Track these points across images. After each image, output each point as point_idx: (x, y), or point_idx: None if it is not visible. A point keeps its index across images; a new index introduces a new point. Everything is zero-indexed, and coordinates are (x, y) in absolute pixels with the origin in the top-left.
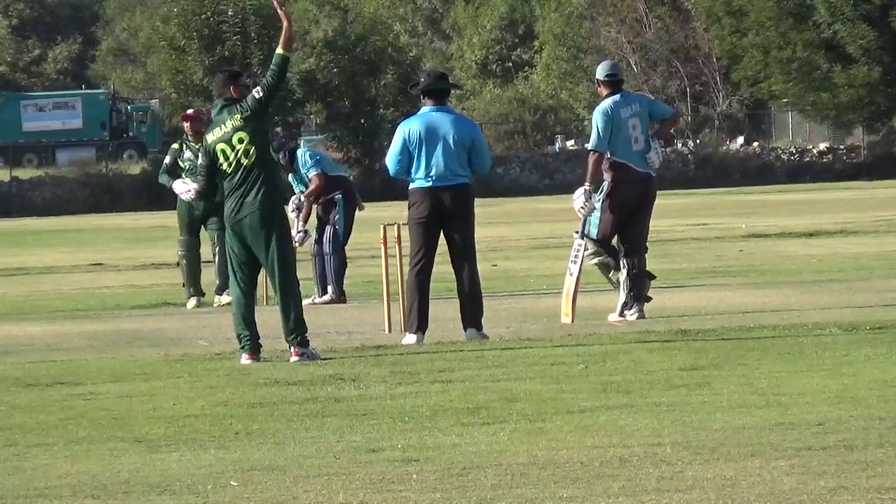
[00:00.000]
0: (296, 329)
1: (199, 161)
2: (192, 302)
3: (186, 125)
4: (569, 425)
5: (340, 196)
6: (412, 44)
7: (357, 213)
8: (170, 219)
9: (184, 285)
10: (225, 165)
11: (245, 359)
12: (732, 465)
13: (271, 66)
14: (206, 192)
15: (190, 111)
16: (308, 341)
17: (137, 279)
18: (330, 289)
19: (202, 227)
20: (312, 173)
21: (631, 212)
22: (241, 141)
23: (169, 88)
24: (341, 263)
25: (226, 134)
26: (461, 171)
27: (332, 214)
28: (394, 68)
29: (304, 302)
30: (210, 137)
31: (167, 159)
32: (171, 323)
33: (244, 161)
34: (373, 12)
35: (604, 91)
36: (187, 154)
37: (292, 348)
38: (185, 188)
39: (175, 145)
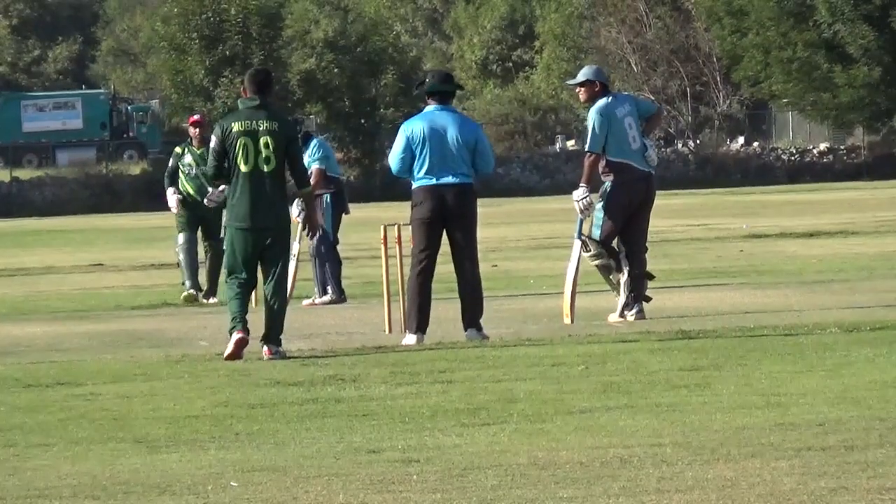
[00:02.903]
0: (277, 331)
1: (212, 144)
2: (187, 292)
3: (195, 131)
4: (569, 426)
5: (329, 196)
6: (412, 44)
7: (343, 216)
8: (170, 219)
9: (183, 284)
10: (241, 161)
11: (237, 334)
12: (733, 466)
13: (300, 174)
14: (215, 174)
15: (197, 116)
16: (281, 342)
17: (138, 279)
18: (329, 289)
19: (200, 226)
20: (315, 166)
21: (633, 211)
22: (266, 146)
23: (169, 89)
24: (336, 263)
25: (255, 131)
26: (464, 171)
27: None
28: (394, 68)
29: (305, 302)
30: (236, 126)
31: (171, 162)
32: (171, 323)
33: (263, 167)
34: (373, 12)
35: (596, 93)
36: (187, 159)
37: (267, 347)
38: (173, 201)
39: (178, 149)
